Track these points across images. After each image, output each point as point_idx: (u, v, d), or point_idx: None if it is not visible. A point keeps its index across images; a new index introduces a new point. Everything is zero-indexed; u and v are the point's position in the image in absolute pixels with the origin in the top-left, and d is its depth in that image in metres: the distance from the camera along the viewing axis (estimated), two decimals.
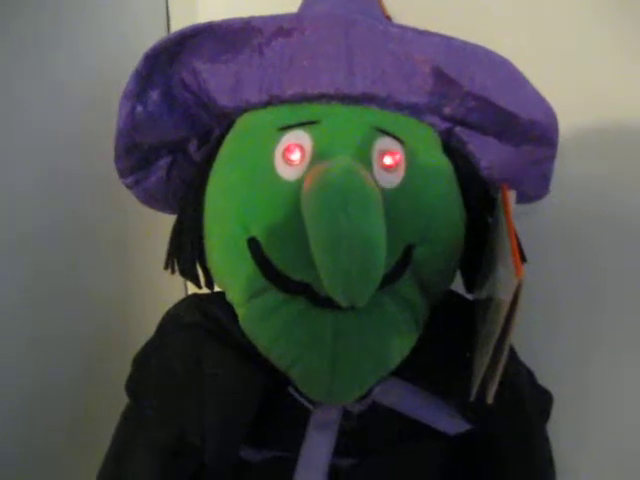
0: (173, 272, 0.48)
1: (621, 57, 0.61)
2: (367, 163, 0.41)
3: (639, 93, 0.60)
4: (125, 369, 0.49)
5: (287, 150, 0.41)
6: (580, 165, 0.60)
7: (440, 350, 0.45)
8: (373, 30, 0.42)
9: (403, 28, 0.42)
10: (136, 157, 0.47)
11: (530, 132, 0.45)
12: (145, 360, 0.48)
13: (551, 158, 0.48)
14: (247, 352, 0.44)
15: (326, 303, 0.39)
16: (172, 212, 0.52)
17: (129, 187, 0.49)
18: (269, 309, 0.42)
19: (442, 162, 0.45)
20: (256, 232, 0.41)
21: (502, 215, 0.43)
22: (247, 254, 0.42)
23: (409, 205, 0.41)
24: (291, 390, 0.44)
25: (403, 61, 0.42)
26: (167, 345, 0.47)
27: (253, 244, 0.41)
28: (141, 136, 0.45)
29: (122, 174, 0.48)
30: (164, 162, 0.49)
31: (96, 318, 0.64)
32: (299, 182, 0.39)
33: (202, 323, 0.46)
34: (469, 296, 0.50)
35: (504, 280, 0.39)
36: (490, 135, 0.46)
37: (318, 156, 0.41)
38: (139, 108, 0.44)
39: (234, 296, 0.44)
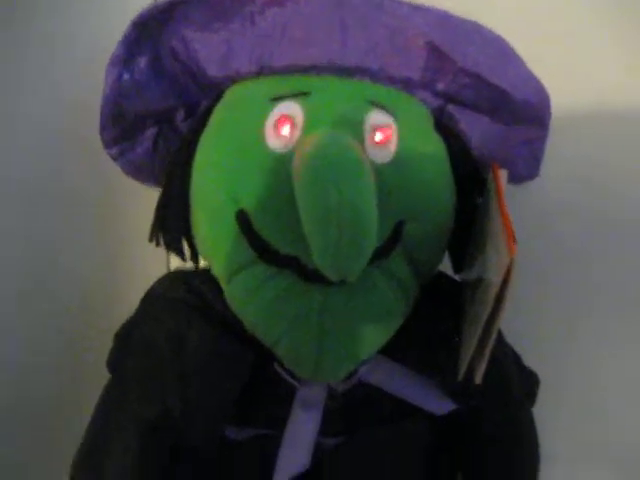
0: (158, 245, 0.47)
1: (616, 39, 0.61)
2: (359, 136, 0.40)
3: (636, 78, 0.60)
4: (107, 345, 0.48)
5: (278, 121, 0.40)
6: (572, 147, 0.60)
7: (428, 330, 0.45)
8: (368, 3, 0.41)
9: (398, 2, 0.41)
10: (121, 127, 0.46)
11: (522, 111, 0.45)
12: (127, 335, 0.47)
13: (543, 138, 0.47)
14: (232, 328, 0.43)
15: (314, 277, 0.38)
16: (157, 185, 0.51)
17: (114, 158, 0.48)
18: (256, 283, 0.41)
19: (434, 139, 0.44)
20: (245, 204, 0.40)
21: (493, 195, 0.42)
22: (235, 226, 0.41)
23: (400, 181, 0.40)
24: (277, 367, 0.43)
25: (397, 35, 0.41)
26: (150, 320, 0.46)
27: (242, 216, 0.40)
28: (127, 104, 0.44)
29: (107, 144, 0.47)
30: (150, 133, 0.48)
31: (76, 293, 0.63)
32: (290, 154, 0.38)
33: (186, 298, 0.45)
34: (457, 277, 0.50)
35: (494, 260, 0.38)
36: (482, 113, 0.46)
37: (309, 128, 0.40)
38: (126, 75, 0.43)
39: (220, 270, 0.43)
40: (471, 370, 0.41)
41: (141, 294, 0.49)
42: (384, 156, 0.40)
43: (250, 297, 0.41)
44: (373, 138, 0.40)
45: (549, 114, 0.46)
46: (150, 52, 0.43)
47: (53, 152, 0.60)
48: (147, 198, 0.53)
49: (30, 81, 0.58)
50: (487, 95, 0.44)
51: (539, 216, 0.62)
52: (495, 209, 0.40)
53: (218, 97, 0.45)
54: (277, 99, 0.41)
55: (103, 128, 0.45)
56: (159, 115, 0.47)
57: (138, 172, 0.50)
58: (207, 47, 0.43)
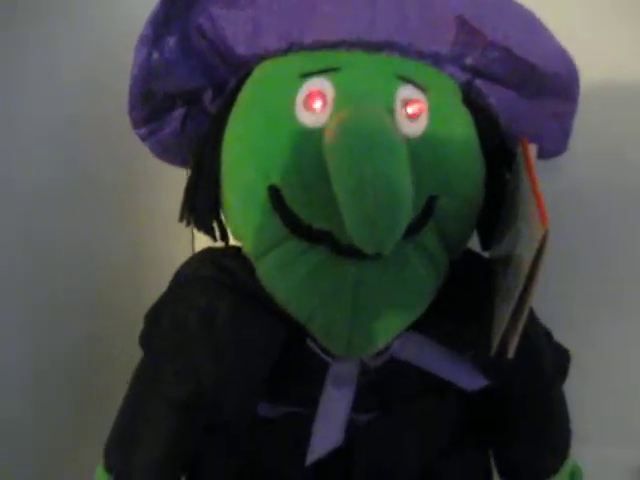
0: (188, 224, 0.47)
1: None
2: (390, 110, 0.40)
3: None
4: (136, 329, 0.49)
5: (309, 97, 0.40)
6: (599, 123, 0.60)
7: (459, 305, 0.44)
8: None
9: None
10: (150, 107, 0.46)
11: (551, 85, 0.44)
12: (158, 315, 0.47)
13: (571, 113, 0.47)
14: (264, 305, 0.43)
15: (348, 252, 0.39)
16: (185, 165, 0.51)
17: (143, 138, 0.48)
18: (289, 259, 0.41)
19: (463, 114, 0.44)
20: (277, 180, 0.40)
21: (523, 169, 0.42)
22: (267, 202, 0.41)
23: (432, 155, 0.40)
24: (309, 343, 0.43)
25: (426, 9, 0.41)
26: (180, 299, 0.46)
27: (273, 192, 0.40)
28: (156, 84, 0.44)
29: (136, 124, 0.47)
30: (178, 113, 0.48)
31: (101, 275, 0.64)
32: (321, 129, 0.38)
33: (217, 276, 0.45)
34: (485, 254, 0.50)
35: (526, 235, 0.38)
36: (510, 88, 0.45)
37: (340, 103, 0.39)
38: (155, 54, 0.43)
39: (251, 247, 0.43)
40: (504, 345, 0.41)
41: (168, 276, 0.49)
42: (415, 130, 0.40)
43: (283, 273, 0.41)
44: (404, 112, 0.40)
45: (578, 88, 0.45)
46: (179, 31, 0.43)
47: (68, 141, 0.61)
48: (168, 180, 0.54)
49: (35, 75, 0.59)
50: (516, 69, 0.43)
51: (569, 192, 0.62)
52: (526, 184, 0.40)
53: (246, 75, 0.45)
54: (307, 75, 0.41)
55: (132, 108, 0.45)
56: (188, 95, 0.47)
57: (166, 152, 0.50)
58: (234, 25, 0.42)
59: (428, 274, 0.42)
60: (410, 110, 0.40)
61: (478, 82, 0.45)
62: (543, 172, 0.48)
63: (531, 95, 0.45)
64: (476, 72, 0.44)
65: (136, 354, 0.49)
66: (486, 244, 0.49)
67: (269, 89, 0.42)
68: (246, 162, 0.42)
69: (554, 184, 0.57)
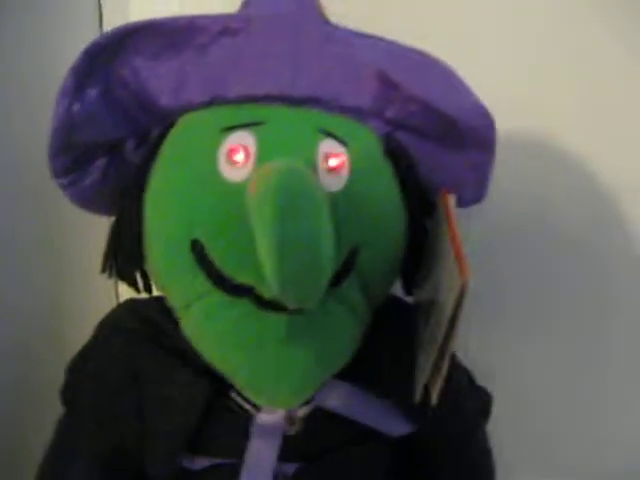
0: (110, 276, 0.46)
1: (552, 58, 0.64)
2: (312, 165, 0.40)
3: (573, 96, 0.64)
4: (55, 380, 0.47)
5: (231, 151, 0.40)
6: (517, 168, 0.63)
7: (381, 352, 0.45)
8: (320, 33, 0.42)
9: (349, 31, 0.42)
10: (71, 157, 0.45)
11: (469, 137, 0.46)
12: (81, 367, 0.46)
13: (489, 162, 0.48)
14: (188, 359, 0.43)
15: (271, 306, 0.39)
16: (107, 214, 0.51)
17: (63, 188, 0.47)
18: (212, 311, 0.41)
19: (384, 166, 0.45)
20: (199, 234, 0.40)
21: (443, 219, 0.43)
22: (190, 256, 0.41)
23: (353, 208, 0.41)
24: (233, 395, 0.43)
25: (348, 64, 0.42)
26: (104, 351, 0.46)
27: (196, 246, 0.40)
28: (78, 135, 0.43)
29: (57, 174, 0.45)
30: (100, 163, 0.47)
31: (20, 325, 0.61)
32: (244, 184, 0.39)
33: (141, 328, 0.45)
34: (408, 299, 0.51)
35: (447, 283, 0.39)
36: (430, 139, 0.46)
37: (263, 157, 0.40)
38: (76, 106, 0.42)
39: (175, 300, 0.43)
40: (427, 391, 0.42)
41: (91, 326, 0.48)
42: (337, 184, 0.41)
43: (207, 325, 0.41)
44: (325, 165, 0.41)
45: (494, 139, 0.47)
46: (101, 82, 0.43)
47: None
48: (90, 229, 0.53)
49: None
50: (435, 122, 0.44)
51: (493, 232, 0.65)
52: (445, 233, 0.41)
53: (169, 126, 0.45)
54: (230, 129, 0.41)
55: (53, 157, 0.44)
56: (110, 145, 0.46)
57: (87, 202, 0.49)
58: (158, 77, 0.43)
59: (351, 324, 0.43)
60: (331, 164, 0.41)
61: (399, 134, 0.46)
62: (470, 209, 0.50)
63: (450, 147, 0.47)
64: (397, 124, 0.46)
65: (56, 406, 0.47)
66: (409, 289, 0.50)
67: (192, 143, 0.43)
68: (169, 215, 0.42)
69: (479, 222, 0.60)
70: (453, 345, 0.38)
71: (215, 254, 0.40)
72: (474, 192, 0.50)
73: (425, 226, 0.48)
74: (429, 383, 0.41)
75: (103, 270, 0.46)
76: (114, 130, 0.45)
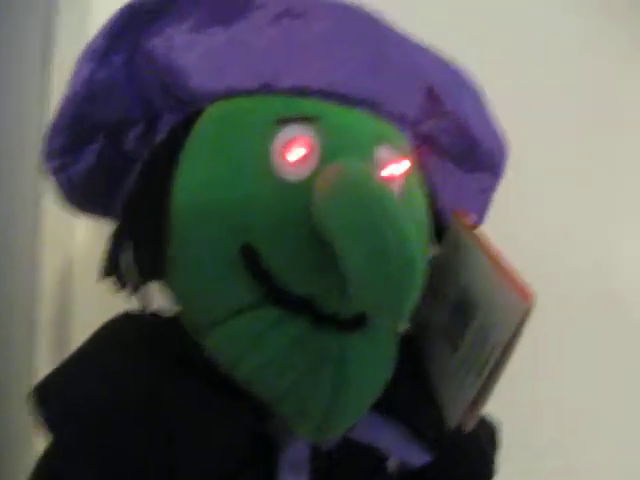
0: (120, 289, 0.39)
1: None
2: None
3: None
4: None
5: (288, 146, 0.36)
6: None
7: (403, 380, 0.43)
8: (387, 34, 0.40)
9: (415, 41, 0.41)
10: (72, 136, 0.39)
11: (485, 160, 0.46)
12: (67, 390, 0.37)
13: (494, 188, 0.49)
14: (218, 382, 0.37)
15: (330, 323, 0.35)
16: (91, 212, 0.44)
17: (53, 172, 0.40)
18: (260, 329, 0.35)
19: (419, 180, 0.43)
20: (253, 238, 0.35)
21: (467, 241, 0.43)
22: (238, 263, 0.35)
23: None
24: (269, 426, 0.38)
25: (406, 71, 0.40)
26: (105, 376, 0.37)
27: (248, 252, 0.35)
28: (91, 109, 0.37)
29: (50, 155, 0.39)
30: (94, 147, 0.41)
31: None
32: (306, 184, 0.35)
33: (153, 343, 0.38)
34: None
35: (499, 306, 0.38)
36: (447, 159, 0.46)
37: (326, 156, 0.36)
38: (101, 73, 0.36)
39: (208, 312, 0.37)
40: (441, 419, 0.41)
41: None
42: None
43: (251, 345, 0.36)
44: (384, 173, 0.38)
45: (505, 165, 0.48)
46: (128, 49, 0.37)
47: None
48: None
49: None
50: (459, 142, 0.44)
51: None
52: (478, 256, 0.41)
53: (195, 114, 0.39)
54: (283, 121, 0.37)
55: (55, 135, 0.38)
56: (115, 127, 0.40)
57: (75, 193, 0.43)
58: (197, 53, 0.37)
59: (393, 344, 0.40)
60: (389, 172, 0.39)
61: (422, 149, 0.45)
62: None
63: (466, 169, 0.47)
64: (425, 139, 0.44)
65: None
66: None
67: (237, 134, 0.37)
68: (211, 216, 0.36)
69: None
70: (503, 371, 0.37)
71: (271, 261, 0.35)
72: (477, 217, 0.50)
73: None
74: (470, 409, 0.39)
75: (104, 277, 0.39)
76: (127, 110, 0.39)
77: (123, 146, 0.42)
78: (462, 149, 0.45)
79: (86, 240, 0.57)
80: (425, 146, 0.45)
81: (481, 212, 0.50)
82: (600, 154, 0.74)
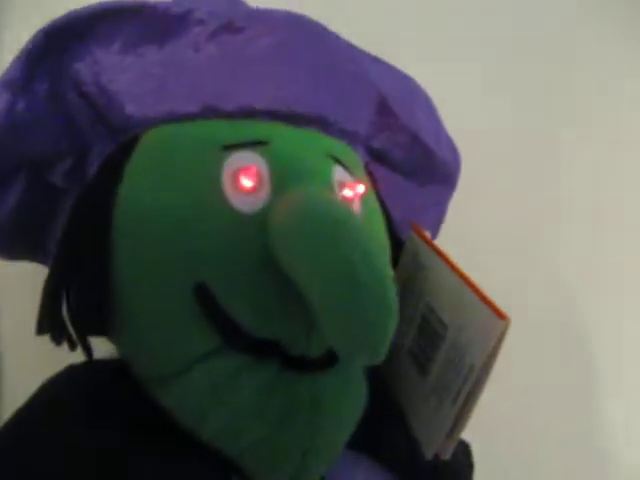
0: (58, 341, 0.34)
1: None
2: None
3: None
4: None
5: (239, 174, 0.32)
6: None
7: (370, 409, 0.40)
8: (338, 46, 0.37)
9: (363, 51, 0.39)
10: None
11: (439, 171, 0.45)
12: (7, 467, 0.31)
13: (448, 200, 0.47)
14: (175, 438, 0.33)
15: (299, 365, 0.32)
16: (17, 257, 0.39)
17: None
18: (222, 378, 0.32)
19: (375, 199, 0.41)
20: (207, 277, 0.31)
21: (429, 257, 0.40)
22: (192, 305, 0.31)
23: None
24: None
25: (359, 86, 0.38)
26: (53, 441, 0.31)
27: (202, 292, 0.31)
28: (13, 145, 0.33)
29: None
30: (17, 185, 0.36)
31: None
32: (260, 215, 0.32)
33: (104, 405, 0.33)
34: None
35: (474, 326, 0.36)
36: (400, 173, 0.44)
37: (281, 184, 0.33)
38: (21, 104, 0.32)
39: (162, 363, 0.33)
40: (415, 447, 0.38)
41: None
42: None
43: (216, 397, 0.32)
44: (342, 195, 0.36)
45: (459, 174, 0.46)
46: (51, 77, 0.33)
47: None
48: None
49: None
50: (414, 155, 0.42)
51: None
52: (443, 272, 0.39)
53: (131, 141, 0.35)
54: (231, 147, 0.33)
55: None
56: (40, 162, 0.36)
57: None
58: (130, 76, 0.34)
59: (363, 380, 0.37)
60: (349, 194, 0.36)
61: (372, 166, 0.43)
62: None
63: (419, 182, 0.45)
64: (376, 155, 0.42)
65: None
66: None
67: (183, 162, 0.33)
68: (159, 253, 0.32)
69: None
70: (480, 394, 0.35)
71: (229, 302, 0.31)
72: (431, 231, 0.48)
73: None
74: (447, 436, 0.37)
75: (41, 331, 0.34)
76: (54, 143, 0.35)
77: (49, 182, 0.37)
78: (415, 162, 0.43)
79: None
80: (377, 162, 0.43)
81: (435, 226, 0.48)
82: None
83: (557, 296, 0.71)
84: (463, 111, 0.56)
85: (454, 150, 0.45)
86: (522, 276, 0.67)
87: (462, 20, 0.66)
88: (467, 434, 0.37)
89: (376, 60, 0.40)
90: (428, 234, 0.42)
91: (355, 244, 0.28)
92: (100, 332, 0.34)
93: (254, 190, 0.33)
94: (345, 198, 0.36)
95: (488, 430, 0.56)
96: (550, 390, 0.70)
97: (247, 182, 0.33)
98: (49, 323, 0.34)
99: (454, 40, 0.65)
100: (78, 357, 0.35)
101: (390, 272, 0.29)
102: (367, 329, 0.27)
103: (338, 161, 0.37)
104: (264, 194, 0.33)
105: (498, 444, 0.65)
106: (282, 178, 0.33)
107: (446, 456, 0.37)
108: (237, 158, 0.33)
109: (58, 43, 0.33)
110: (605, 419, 0.74)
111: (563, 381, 0.71)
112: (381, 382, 0.42)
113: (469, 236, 0.60)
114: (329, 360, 0.33)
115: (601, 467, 0.73)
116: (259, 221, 0.32)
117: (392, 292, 0.28)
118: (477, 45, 0.67)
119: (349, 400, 0.35)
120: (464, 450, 0.47)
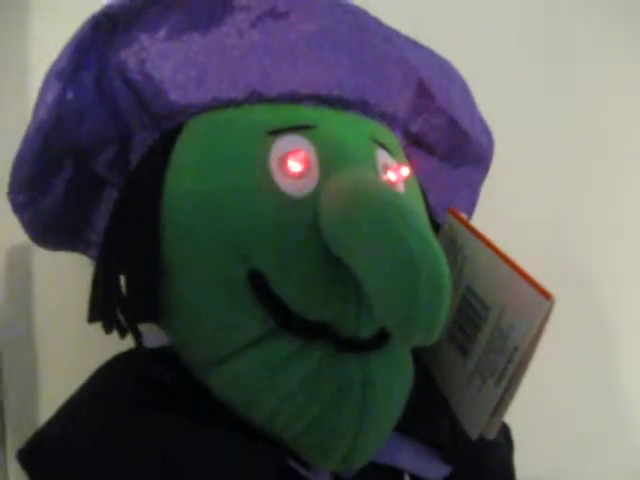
0: (110, 329, 0.34)
1: None
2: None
3: None
4: None
5: (287, 158, 0.32)
6: None
7: (414, 391, 0.40)
8: (377, 31, 0.37)
9: (402, 35, 0.39)
10: (40, 165, 0.34)
11: (473, 153, 0.45)
12: (63, 453, 0.32)
13: (482, 181, 0.47)
14: (230, 425, 0.33)
15: (350, 345, 0.32)
16: (58, 247, 0.40)
17: (19, 209, 0.35)
18: (276, 360, 0.32)
19: (415, 180, 0.41)
20: (259, 263, 0.32)
21: (467, 239, 0.40)
22: (245, 291, 0.32)
23: None
24: (290, 462, 0.35)
25: (399, 69, 0.38)
26: (105, 430, 0.32)
27: (256, 278, 0.32)
28: (62, 133, 0.33)
29: (17, 188, 0.34)
30: (63, 177, 0.36)
31: None
32: (310, 199, 0.32)
33: (154, 392, 0.34)
34: None
35: (513, 305, 0.36)
36: (436, 156, 0.44)
37: (328, 167, 0.33)
38: (70, 94, 0.32)
39: (214, 348, 0.33)
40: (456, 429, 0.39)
41: None
42: None
43: (267, 379, 0.32)
44: (386, 178, 0.36)
45: (492, 157, 0.46)
46: (98, 66, 0.33)
47: None
48: None
49: None
50: (450, 136, 0.42)
51: None
52: (483, 254, 0.39)
53: (175, 129, 0.35)
54: (277, 132, 0.33)
55: (23, 165, 0.33)
56: (85, 152, 0.36)
57: (43, 229, 0.37)
58: (174, 64, 0.34)
59: (411, 360, 0.37)
60: (391, 177, 0.36)
61: (409, 149, 0.43)
62: None
63: (454, 164, 0.45)
64: (414, 139, 0.42)
65: None
66: None
67: (229, 149, 0.33)
68: (211, 241, 0.32)
69: None
70: (525, 374, 0.35)
71: (283, 287, 0.32)
72: (465, 213, 0.48)
73: None
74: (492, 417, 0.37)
75: (92, 320, 0.35)
76: (99, 132, 0.35)
77: (92, 172, 0.37)
78: (451, 144, 0.43)
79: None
80: (413, 145, 0.43)
81: (469, 207, 0.48)
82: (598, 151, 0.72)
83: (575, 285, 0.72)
84: None
85: (488, 132, 0.46)
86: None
87: (462, 20, 0.65)
88: None
89: (415, 44, 0.40)
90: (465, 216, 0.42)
91: (409, 226, 0.27)
92: (150, 318, 0.34)
93: (303, 174, 0.33)
94: (389, 181, 0.36)
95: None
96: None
97: (296, 166, 0.33)
98: (100, 311, 0.34)
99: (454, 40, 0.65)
100: (75, 358, 0.36)
101: (443, 252, 0.29)
102: (423, 309, 0.27)
103: (381, 144, 0.37)
104: (313, 178, 0.33)
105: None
106: (330, 162, 0.33)
107: (491, 436, 0.37)
108: (284, 143, 0.33)
109: (107, 32, 0.33)
110: (629, 416, 0.74)
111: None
112: (420, 364, 0.42)
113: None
114: (379, 341, 0.34)
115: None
116: (309, 205, 0.32)
117: (447, 272, 0.28)
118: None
119: (399, 381, 0.35)
120: (503, 430, 0.47)
